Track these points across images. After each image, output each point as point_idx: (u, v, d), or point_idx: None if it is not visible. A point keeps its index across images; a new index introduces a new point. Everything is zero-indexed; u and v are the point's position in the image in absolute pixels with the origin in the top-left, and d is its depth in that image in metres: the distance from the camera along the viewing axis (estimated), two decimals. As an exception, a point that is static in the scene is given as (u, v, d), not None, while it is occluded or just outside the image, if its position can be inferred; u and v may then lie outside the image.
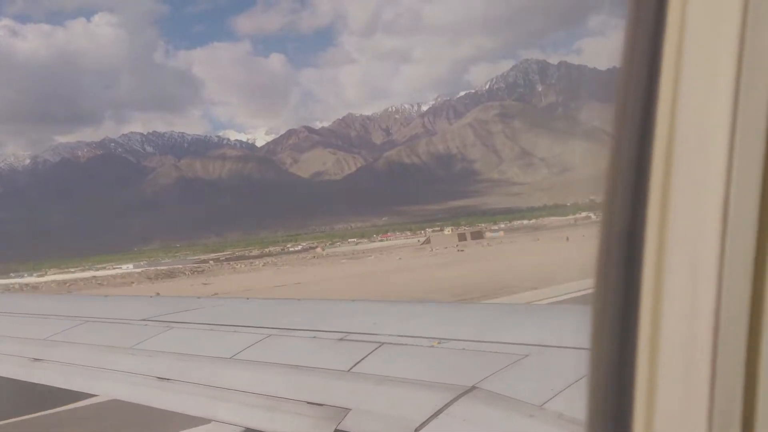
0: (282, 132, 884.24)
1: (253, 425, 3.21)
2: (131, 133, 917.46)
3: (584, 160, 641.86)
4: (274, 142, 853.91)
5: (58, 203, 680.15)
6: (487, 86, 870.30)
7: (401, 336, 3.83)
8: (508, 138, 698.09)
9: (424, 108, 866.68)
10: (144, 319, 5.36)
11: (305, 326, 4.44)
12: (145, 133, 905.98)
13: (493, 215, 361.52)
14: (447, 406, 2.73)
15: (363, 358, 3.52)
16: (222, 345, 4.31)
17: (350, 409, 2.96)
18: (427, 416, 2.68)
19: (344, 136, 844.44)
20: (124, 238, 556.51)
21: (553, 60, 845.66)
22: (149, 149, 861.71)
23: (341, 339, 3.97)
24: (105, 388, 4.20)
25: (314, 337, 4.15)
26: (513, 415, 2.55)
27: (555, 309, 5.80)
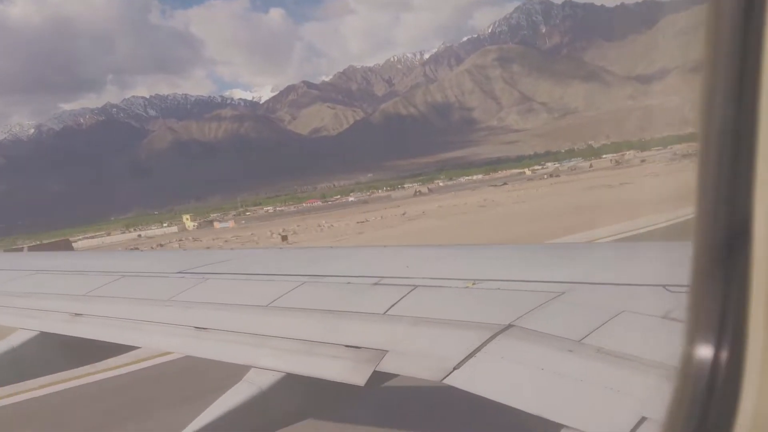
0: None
1: (293, 370, 3.24)
2: (133, 97, 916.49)
3: (586, 102, 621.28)
4: (274, 99, 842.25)
5: (56, 172, 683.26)
6: (490, 30, 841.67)
7: (435, 278, 3.86)
8: (507, 83, 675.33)
9: (427, 56, 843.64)
10: (180, 272, 5.48)
11: (339, 273, 4.51)
12: (148, 97, 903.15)
13: (480, 166, 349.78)
14: (484, 344, 2.75)
15: (398, 301, 3.54)
16: (258, 293, 4.35)
17: (387, 351, 2.98)
18: (465, 355, 2.70)
19: (345, 89, 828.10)
20: (112, 206, 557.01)
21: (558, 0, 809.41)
22: (152, 113, 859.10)
23: (375, 284, 4.00)
24: (145, 340, 4.31)
25: (348, 282, 4.19)
26: (551, 351, 2.55)
27: (589, 247, 5.57)
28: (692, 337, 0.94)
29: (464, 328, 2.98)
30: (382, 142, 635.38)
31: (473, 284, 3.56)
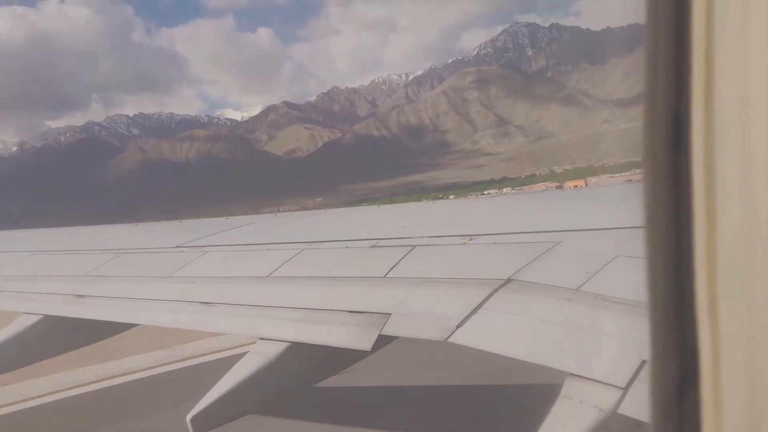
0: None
1: (298, 338, 3.20)
2: (116, 115, 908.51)
3: (562, 126, 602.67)
4: (254, 119, 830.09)
5: (28, 191, 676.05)
6: (475, 52, 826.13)
7: (432, 237, 3.80)
8: (484, 105, 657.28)
9: (411, 78, 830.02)
10: (178, 246, 5.37)
11: (336, 237, 4.44)
12: (131, 116, 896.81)
13: (432, 191, 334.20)
14: (485, 300, 2.74)
15: (397, 263, 3.50)
16: (258, 264, 4.31)
17: (390, 314, 2.95)
18: (467, 313, 2.69)
19: (327, 110, 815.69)
20: (78, 224, 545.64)
21: (546, 23, 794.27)
22: (135, 131, 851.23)
23: (373, 246, 3.94)
24: (150, 318, 4.24)
25: (347, 247, 4.13)
26: (551, 302, 2.56)
27: (581, 193, 5.36)
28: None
29: (464, 286, 2.97)
30: (349, 164, 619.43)
31: (469, 240, 3.56)
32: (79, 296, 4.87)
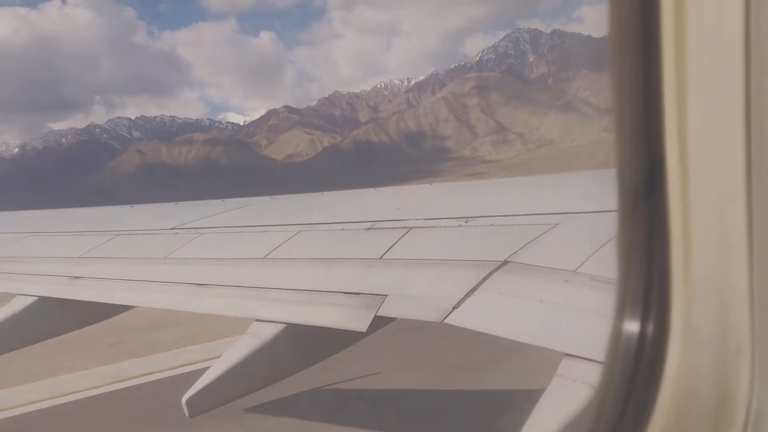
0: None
1: (294, 320, 3.22)
2: (118, 118, 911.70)
3: (562, 134, 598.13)
4: (254, 123, 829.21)
5: (28, 193, 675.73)
6: (478, 58, 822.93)
7: (428, 219, 3.81)
8: (484, 112, 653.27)
9: (413, 83, 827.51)
10: (173, 228, 5.36)
11: (332, 219, 4.44)
12: (133, 118, 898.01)
13: None
14: (481, 282, 2.75)
15: (393, 244, 3.50)
16: (253, 246, 4.31)
17: (386, 295, 2.96)
18: (463, 294, 2.70)
19: (328, 115, 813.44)
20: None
21: (548, 29, 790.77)
22: (136, 134, 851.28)
23: (369, 228, 3.94)
24: (145, 300, 4.26)
25: (342, 229, 4.13)
26: (547, 284, 2.57)
27: (579, 176, 6.12)
28: (620, 311, 0.99)
29: (461, 267, 2.97)
30: (348, 169, 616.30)
31: (466, 222, 3.55)
32: (75, 278, 4.86)
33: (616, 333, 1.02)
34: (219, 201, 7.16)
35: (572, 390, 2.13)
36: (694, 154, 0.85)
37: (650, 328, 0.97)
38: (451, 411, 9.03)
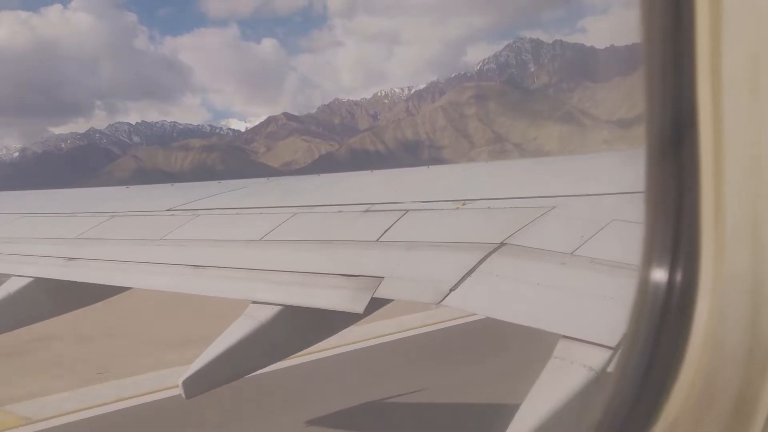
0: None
1: (291, 302, 3.23)
2: (119, 123, 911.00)
3: (560, 145, 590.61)
4: (252, 130, 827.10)
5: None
6: (479, 67, 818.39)
7: (425, 201, 3.83)
8: (482, 121, 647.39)
9: (413, 92, 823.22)
10: (169, 209, 5.37)
11: (329, 201, 4.46)
12: (134, 123, 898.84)
13: None
14: (478, 264, 2.74)
15: (390, 227, 3.51)
16: (250, 227, 4.32)
17: (383, 278, 2.97)
18: (460, 276, 2.70)
19: (327, 122, 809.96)
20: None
21: (550, 39, 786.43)
22: (136, 139, 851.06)
23: (366, 210, 3.96)
24: (141, 281, 4.26)
25: (339, 211, 4.15)
26: (545, 266, 2.57)
27: (577, 159, 6.04)
28: (647, 260, 0.98)
29: (458, 250, 2.98)
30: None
31: (463, 204, 3.55)
32: (70, 259, 4.83)
33: (643, 282, 1.01)
34: (215, 182, 7.12)
35: (569, 372, 2.12)
36: (728, 95, 0.83)
37: (678, 277, 0.96)
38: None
